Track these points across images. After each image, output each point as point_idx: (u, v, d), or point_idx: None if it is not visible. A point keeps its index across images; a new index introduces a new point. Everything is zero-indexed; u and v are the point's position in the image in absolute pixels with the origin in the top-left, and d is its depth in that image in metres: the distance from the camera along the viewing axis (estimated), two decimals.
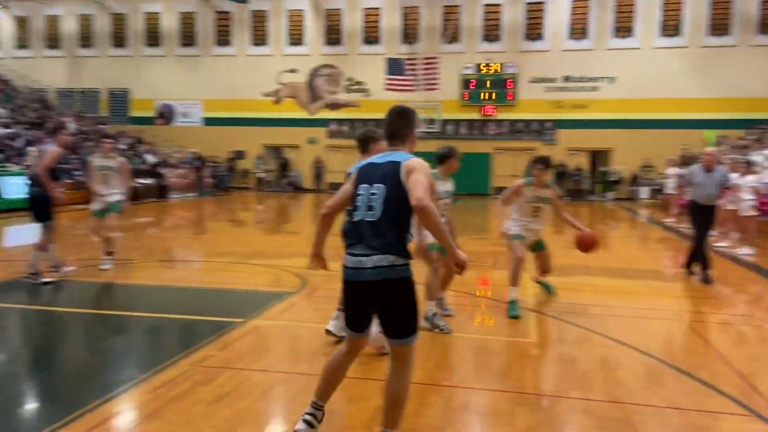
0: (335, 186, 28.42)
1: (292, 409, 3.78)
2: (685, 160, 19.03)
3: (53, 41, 30.25)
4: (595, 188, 26.44)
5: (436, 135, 26.41)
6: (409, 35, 26.81)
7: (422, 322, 5.25)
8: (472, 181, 25.91)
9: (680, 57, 25.02)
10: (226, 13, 28.76)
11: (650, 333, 5.69)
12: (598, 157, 26.58)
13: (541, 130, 26.31)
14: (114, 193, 8.40)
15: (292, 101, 28.50)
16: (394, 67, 26.96)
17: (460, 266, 3.10)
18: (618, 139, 25.10)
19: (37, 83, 28.61)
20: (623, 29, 25.63)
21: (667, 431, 3.59)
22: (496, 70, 26.38)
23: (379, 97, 27.35)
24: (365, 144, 4.62)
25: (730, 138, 21.49)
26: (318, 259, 3.48)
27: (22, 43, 30.41)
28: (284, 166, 28.82)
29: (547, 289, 7.05)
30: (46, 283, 7.21)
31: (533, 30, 26.40)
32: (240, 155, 28.79)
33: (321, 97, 28.32)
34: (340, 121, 28.19)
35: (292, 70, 28.28)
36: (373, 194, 3.07)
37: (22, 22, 30.40)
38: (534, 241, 6.64)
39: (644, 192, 24.53)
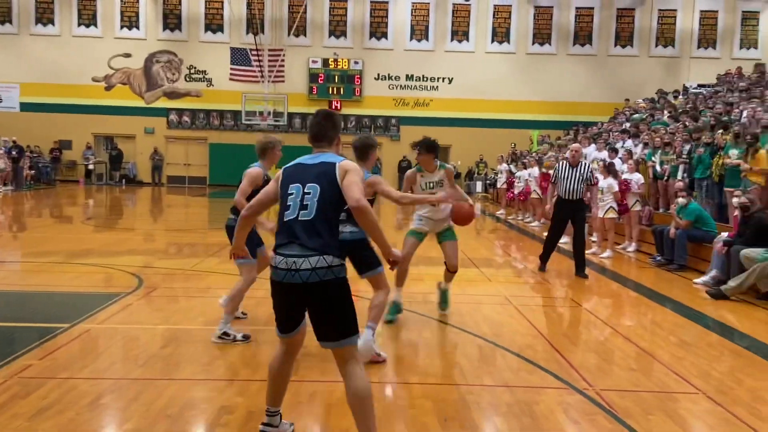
0: (175, 180, 27.11)
1: (126, 418, 3.54)
2: (514, 158, 20.73)
3: None
4: None
5: (282, 128, 26.18)
6: (254, 25, 26.18)
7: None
8: None
9: (509, 62, 27.16)
10: None
11: (483, 317, 6.12)
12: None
13: (386, 125, 27.14)
14: None
15: (125, 88, 26.56)
16: (239, 56, 26.23)
17: (394, 262, 3.18)
18: (455, 136, 26.66)
19: None
20: (460, 33, 27.23)
21: (498, 408, 3.90)
22: (344, 66, 26.70)
23: (222, 87, 26.46)
24: (365, 152, 4.87)
25: (550, 137, 23.78)
26: (241, 250, 3.58)
27: None
28: (117, 158, 26.77)
29: (444, 302, 6.22)
30: None
31: (377, 28, 27.10)
32: (66, 145, 26.24)
33: (159, 84, 26.71)
34: (180, 111, 26.82)
35: (126, 55, 26.35)
36: (307, 193, 3.02)
37: None
38: (442, 230, 6.06)
39: (479, 186, 26.35)
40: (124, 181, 26.33)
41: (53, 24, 26.26)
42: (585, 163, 8.59)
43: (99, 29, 26.40)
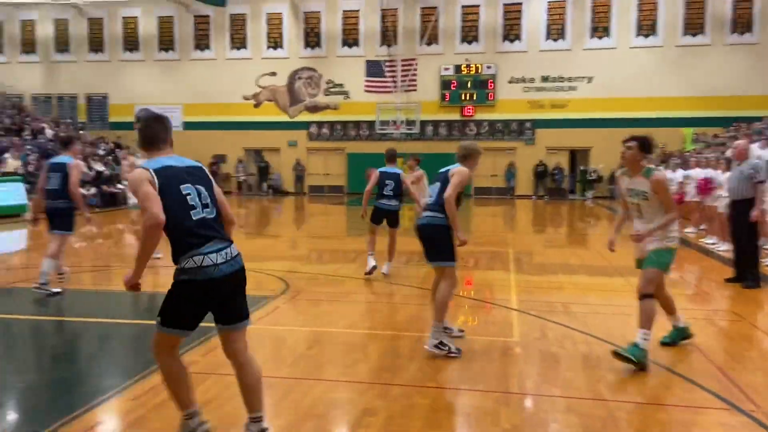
0: (316, 189, 28.48)
1: (277, 414, 3.77)
2: (664, 159, 19.31)
3: (28, 46, 29.77)
4: (575, 187, 26.72)
5: (415, 136, 26.52)
6: (387, 37, 26.86)
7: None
8: None
9: (656, 56, 25.38)
10: (205, 17, 28.55)
11: (632, 330, 5.74)
12: (578, 156, 26.86)
13: (520, 129, 26.53)
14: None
15: (271, 104, 28.39)
16: (374, 68, 27.02)
17: None
18: (596, 137, 25.38)
19: (11, 89, 28.13)
20: (600, 29, 25.94)
21: (651, 427, 3.64)
22: (476, 71, 26.53)
23: (358, 98, 27.38)
24: (469, 157, 5.22)
25: (706, 135, 21.85)
26: (137, 285, 3.18)
27: None
28: (265, 170, 28.69)
29: (680, 335, 5.27)
30: (54, 294, 6.96)
31: (511, 31, 26.61)
32: (221, 159, 28.60)
33: (301, 99, 28.25)
34: (320, 124, 28.14)
35: (272, 74, 28.17)
36: (201, 194, 3.19)
37: None
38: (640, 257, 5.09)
39: None
40: (271, 191, 28.13)
41: (209, 49, 28.78)
42: (749, 161, 7.83)
43: (248, 51, 28.50)
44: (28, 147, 20.93)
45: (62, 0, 27.56)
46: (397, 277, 8.34)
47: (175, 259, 3.12)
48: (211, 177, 3.36)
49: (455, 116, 26.87)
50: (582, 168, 26.63)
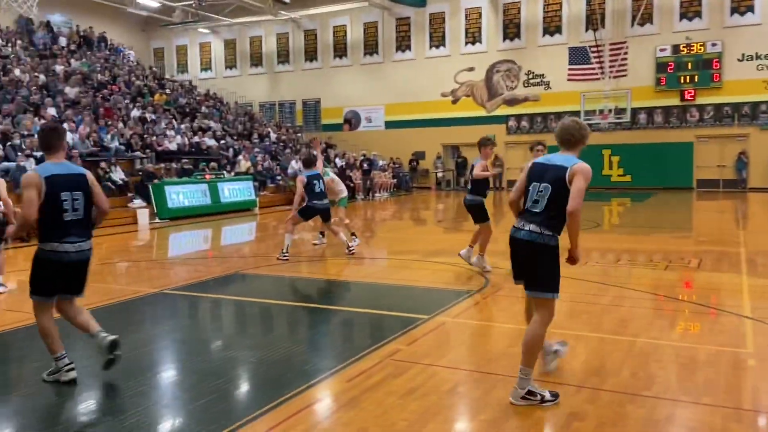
0: (512, 184, 27.84)
1: (480, 408, 3.76)
2: None
3: (256, 60, 33.58)
4: None
5: (625, 125, 24.70)
6: (593, 21, 25.30)
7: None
8: (671, 173, 23.72)
9: None
10: (406, 18, 29.57)
11: None
12: None
13: (754, 113, 23.24)
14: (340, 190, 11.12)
15: (469, 100, 28.49)
16: (578, 55, 25.70)
17: None
18: None
19: (243, 98, 32.00)
20: None
21: None
22: (698, 50, 23.81)
23: (560, 88, 26.24)
24: (582, 141, 4.07)
25: None
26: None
27: (230, 64, 34.22)
28: (462, 165, 28.91)
29: None
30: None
31: (742, 2, 23.39)
32: (420, 156, 29.47)
33: (499, 93, 27.90)
34: (518, 117, 27.54)
35: (470, 69, 28.23)
36: (75, 199, 4.14)
37: (230, 45, 34.22)
38: None
39: None
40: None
41: (410, 50, 29.78)
42: None
43: (447, 49, 28.91)
44: (257, 150, 23.63)
45: (283, 16, 30.57)
46: (605, 277, 7.86)
47: (41, 240, 4.15)
48: (90, 183, 4.25)
49: (673, 101, 24.41)
50: None
